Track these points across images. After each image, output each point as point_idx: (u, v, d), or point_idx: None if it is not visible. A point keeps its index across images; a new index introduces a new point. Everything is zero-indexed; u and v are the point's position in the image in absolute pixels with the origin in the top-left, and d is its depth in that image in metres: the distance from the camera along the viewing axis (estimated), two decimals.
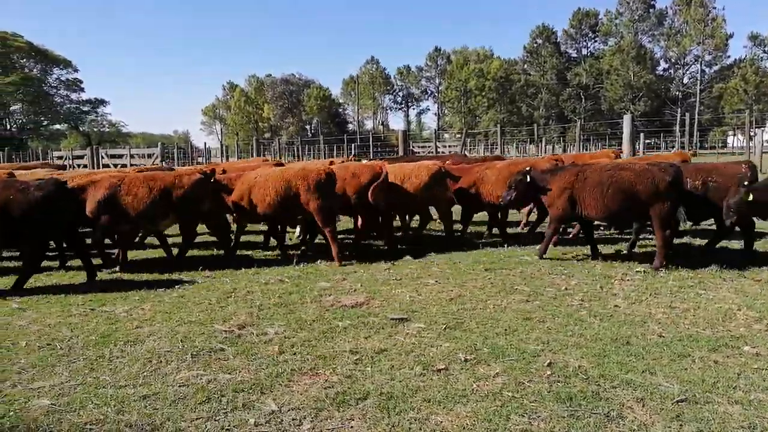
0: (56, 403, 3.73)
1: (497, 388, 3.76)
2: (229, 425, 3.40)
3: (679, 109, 71.68)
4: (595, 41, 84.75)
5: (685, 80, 79.36)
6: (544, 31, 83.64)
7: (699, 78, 75.30)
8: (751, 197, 6.72)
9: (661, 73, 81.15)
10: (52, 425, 3.45)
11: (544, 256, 7.84)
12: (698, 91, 73.95)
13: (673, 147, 47.89)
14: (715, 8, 73.09)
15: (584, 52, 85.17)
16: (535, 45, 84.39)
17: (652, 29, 79.48)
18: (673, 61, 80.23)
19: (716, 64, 76.81)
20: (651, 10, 78.55)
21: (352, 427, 3.36)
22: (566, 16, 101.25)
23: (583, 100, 79.75)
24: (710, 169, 7.77)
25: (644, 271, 6.90)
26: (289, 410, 3.56)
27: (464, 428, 3.30)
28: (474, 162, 11.02)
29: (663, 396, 3.63)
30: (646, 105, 73.35)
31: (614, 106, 75.75)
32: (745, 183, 6.93)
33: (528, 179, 7.93)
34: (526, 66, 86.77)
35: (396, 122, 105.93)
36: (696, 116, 65.59)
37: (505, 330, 4.91)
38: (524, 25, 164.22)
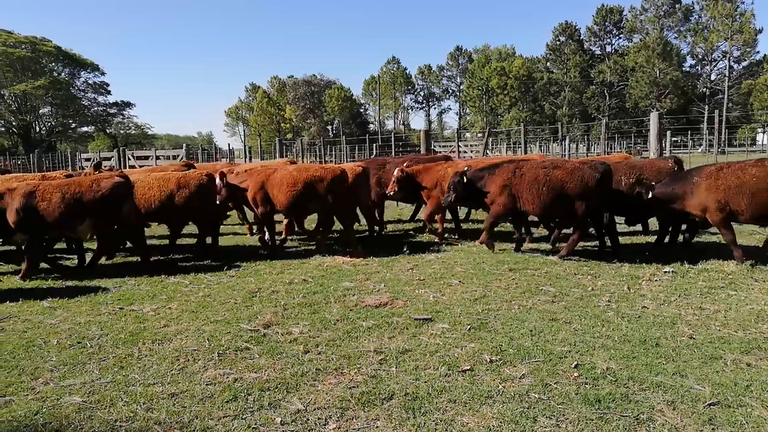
0: (87, 400, 3.80)
1: (524, 390, 3.73)
2: (255, 423, 3.42)
3: (706, 107, 70.24)
4: (620, 38, 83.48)
5: (713, 77, 77.70)
6: (567, 28, 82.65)
7: (727, 74, 73.64)
8: (650, 194, 7.57)
9: (688, 69, 79.53)
10: (83, 422, 3.52)
11: (490, 245, 8.18)
12: (726, 88, 72.32)
13: (700, 145, 46.97)
14: (743, 3, 71.43)
15: (608, 49, 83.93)
16: (558, 42, 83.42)
17: (678, 25, 77.96)
18: (700, 57, 78.62)
19: (745, 60, 75.03)
20: (677, 6, 77.03)
21: (377, 427, 3.36)
22: (590, 13, 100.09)
23: (608, 98, 78.63)
24: (642, 166, 8.33)
25: (673, 272, 6.77)
26: (314, 409, 3.58)
27: (490, 430, 3.28)
28: (429, 162, 11.23)
29: (694, 399, 3.56)
30: (672, 102, 71.99)
31: (639, 104, 74.50)
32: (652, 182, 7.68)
33: (465, 180, 8.26)
34: (548, 64, 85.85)
35: (417, 122, 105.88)
36: (724, 113, 64.17)
37: (531, 331, 4.86)
38: (547, 23, 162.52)
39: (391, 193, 9.91)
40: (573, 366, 4.08)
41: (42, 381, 4.16)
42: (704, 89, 76.43)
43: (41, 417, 3.59)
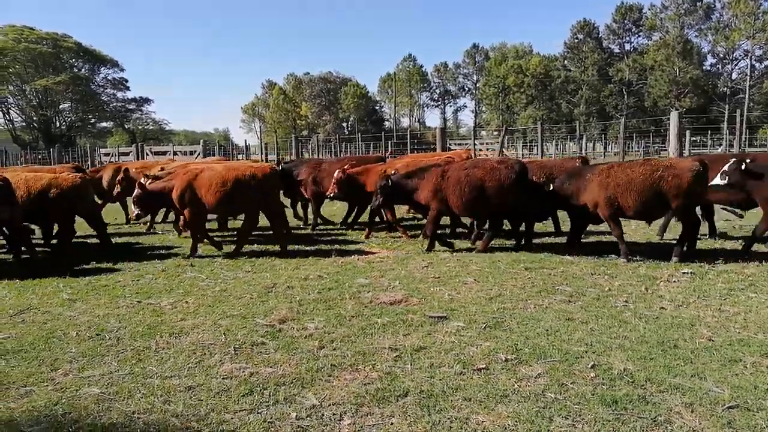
0: (106, 391, 3.85)
1: (539, 389, 3.71)
2: (271, 418, 3.45)
3: (726, 106, 69.08)
4: (639, 36, 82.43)
5: (734, 76, 76.39)
6: (585, 26, 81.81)
7: (748, 73, 72.32)
8: (551, 187, 8.07)
9: (708, 68, 78.31)
10: (102, 413, 3.57)
11: (432, 249, 8.48)
12: (747, 87, 70.98)
13: (720, 145, 46.25)
14: (766, 1, 70.10)
15: (627, 47, 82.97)
16: (575, 40, 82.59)
17: (699, 23, 76.70)
18: (721, 56, 77.31)
19: (767, 59, 73.69)
20: (698, 4, 75.77)
21: (392, 424, 3.36)
22: (608, 11, 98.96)
23: (626, 97, 77.73)
24: (552, 165, 8.93)
25: (692, 273, 6.69)
26: (329, 405, 3.59)
27: (506, 429, 3.27)
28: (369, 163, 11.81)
29: (713, 401, 3.51)
30: (692, 101, 70.88)
31: (658, 103, 73.51)
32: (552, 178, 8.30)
33: (390, 183, 8.56)
34: (566, 62, 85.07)
35: (432, 119, 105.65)
36: (745, 113, 63.08)
37: (547, 330, 4.83)
38: (564, 21, 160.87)
39: (332, 195, 10.29)
40: (589, 366, 4.05)
41: (61, 372, 4.22)
42: (725, 88, 75.18)
43: (61, 407, 3.65)
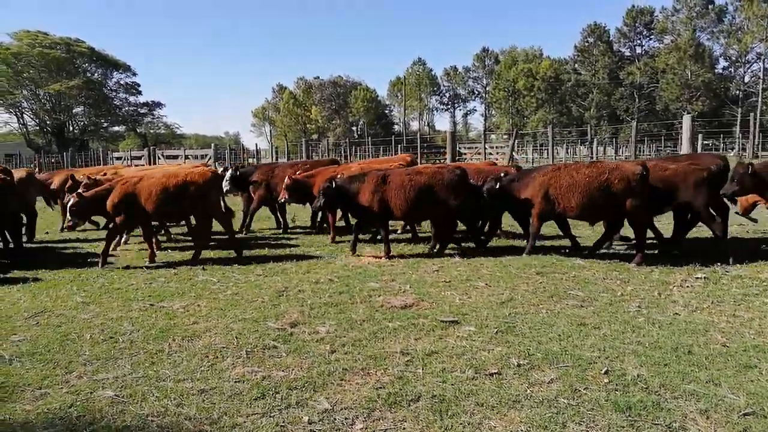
0: (119, 394, 3.88)
1: (552, 395, 3.69)
2: (283, 422, 3.45)
3: (739, 109, 68.53)
4: (650, 39, 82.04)
5: (746, 79, 75.74)
6: (595, 29, 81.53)
7: (761, 77, 71.65)
8: (498, 185, 8.43)
9: (721, 71, 77.74)
10: (116, 416, 3.59)
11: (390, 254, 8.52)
12: (760, 90, 70.34)
13: (732, 149, 45.85)
14: None
15: (638, 50, 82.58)
16: (586, 44, 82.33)
17: (711, 26, 76.20)
18: (733, 59, 76.76)
19: None
20: (710, 7, 75.32)
21: (404, 428, 3.36)
22: (619, 15, 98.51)
23: (637, 100, 77.29)
24: (489, 171, 9.54)
25: (705, 278, 6.63)
26: (341, 409, 3.60)
27: None
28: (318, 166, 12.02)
29: (729, 408, 3.48)
30: (704, 105, 70.42)
31: (670, 106, 73.06)
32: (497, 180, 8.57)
33: (334, 186, 8.64)
34: (576, 65, 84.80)
35: (442, 123, 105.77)
36: (758, 116, 62.48)
37: (559, 335, 4.81)
38: (575, 25, 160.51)
39: (283, 200, 10.39)
40: (603, 372, 4.02)
41: (76, 375, 4.26)
42: (737, 91, 74.60)
43: (75, 410, 3.68)
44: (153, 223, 9.14)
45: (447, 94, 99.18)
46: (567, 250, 8.39)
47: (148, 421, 3.50)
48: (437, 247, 8.70)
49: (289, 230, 11.75)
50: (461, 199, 8.37)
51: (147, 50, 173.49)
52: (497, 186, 8.43)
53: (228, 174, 11.68)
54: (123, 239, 10.20)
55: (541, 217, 8.18)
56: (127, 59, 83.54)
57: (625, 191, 7.53)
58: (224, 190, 11.47)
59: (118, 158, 32.44)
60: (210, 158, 23.24)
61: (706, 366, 4.12)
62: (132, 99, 77.85)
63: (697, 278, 6.65)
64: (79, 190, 8.81)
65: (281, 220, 11.95)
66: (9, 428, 3.47)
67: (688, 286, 6.35)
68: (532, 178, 8.26)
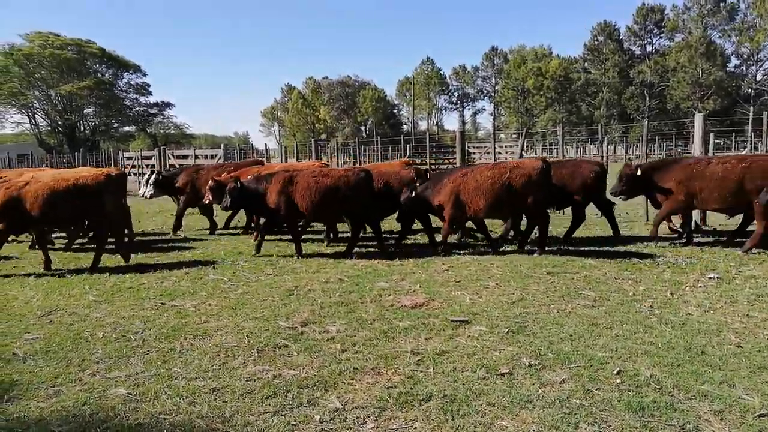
0: (132, 392, 3.90)
1: (564, 395, 3.67)
2: (295, 420, 3.46)
3: (751, 108, 67.86)
4: (661, 37, 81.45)
5: (758, 77, 74.98)
6: (606, 27, 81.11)
7: None
8: (413, 194, 8.73)
9: (732, 69, 77.00)
10: (129, 414, 3.61)
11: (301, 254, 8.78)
12: None
13: (744, 147, 45.45)
14: None
15: (649, 48, 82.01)
16: (596, 42, 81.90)
17: (723, 24, 75.55)
18: (745, 57, 76.03)
19: None
20: (721, 5, 74.65)
21: (415, 428, 3.35)
22: (629, 13, 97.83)
23: (647, 99, 76.75)
24: (387, 173, 9.72)
25: (718, 278, 6.57)
26: (352, 408, 3.59)
27: None
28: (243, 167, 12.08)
29: (743, 409, 3.44)
30: (715, 103, 69.80)
31: (681, 105, 72.52)
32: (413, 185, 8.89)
33: (241, 187, 8.75)
34: (586, 64, 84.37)
35: (451, 122, 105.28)
36: None
37: (571, 335, 4.78)
38: (585, 23, 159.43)
39: (207, 202, 10.38)
40: (615, 372, 3.99)
41: (89, 373, 4.29)
42: (749, 90, 73.88)
43: (89, 407, 3.71)
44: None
45: (456, 94, 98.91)
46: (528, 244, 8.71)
47: (160, 419, 3.52)
48: (348, 250, 8.87)
49: (217, 231, 11.85)
50: (367, 200, 8.60)
51: (148, 50, 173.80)
52: (413, 194, 8.73)
53: (152, 178, 11.83)
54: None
55: (453, 222, 8.61)
56: (138, 60, 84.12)
57: (527, 188, 8.02)
58: (148, 193, 11.78)
59: (129, 158, 32.65)
60: (220, 158, 23.31)
61: (720, 366, 4.08)
62: (142, 99, 78.31)
63: (710, 278, 6.59)
64: None
65: (210, 220, 12.03)
66: (23, 425, 3.50)
67: (701, 286, 6.30)
68: (443, 184, 8.58)
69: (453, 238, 9.51)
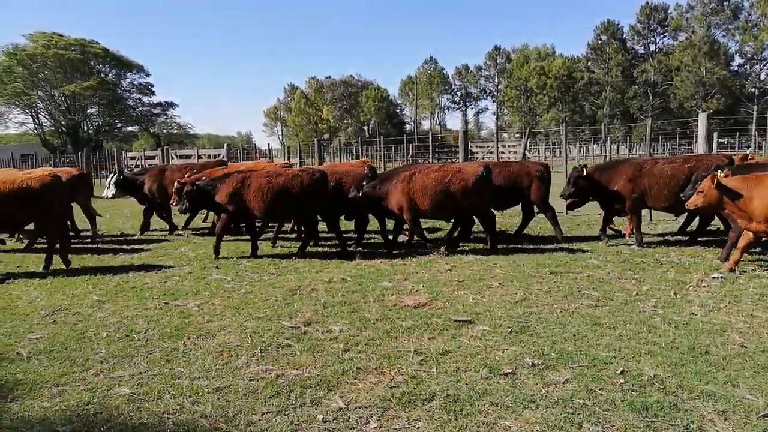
0: (136, 392, 3.91)
1: (567, 395, 3.66)
2: (298, 420, 3.46)
3: (755, 107, 67.65)
4: (664, 36, 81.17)
5: (762, 76, 74.73)
6: (609, 27, 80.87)
7: None
8: (361, 192, 8.95)
9: (736, 69, 76.75)
10: (133, 413, 3.62)
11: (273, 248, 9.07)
12: None
13: (748, 147, 45.31)
14: None
15: (652, 48, 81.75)
16: (599, 41, 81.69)
17: (726, 23, 75.24)
18: (749, 56, 75.76)
19: None
20: (725, 3, 74.32)
21: (418, 428, 3.36)
22: (633, 11, 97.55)
23: (651, 98, 76.56)
24: (342, 171, 10.13)
25: (722, 278, 6.55)
26: (356, 408, 3.60)
27: None
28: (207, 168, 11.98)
29: (747, 409, 3.44)
30: (719, 102, 69.56)
31: (684, 104, 72.29)
32: (364, 182, 9.10)
33: (196, 189, 8.79)
34: (589, 63, 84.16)
35: (453, 122, 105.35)
36: None
37: (574, 335, 4.78)
38: (588, 22, 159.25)
39: (174, 204, 10.28)
40: (618, 372, 3.99)
41: (93, 372, 4.30)
42: (753, 89, 73.64)
43: (92, 407, 3.72)
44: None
45: (458, 93, 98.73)
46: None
47: (164, 419, 3.53)
48: (303, 248, 8.99)
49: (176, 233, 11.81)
50: (320, 200, 8.68)
51: (148, 51, 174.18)
52: (359, 193, 8.95)
53: (113, 179, 11.84)
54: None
55: (411, 218, 8.74)
56: (141, 60, 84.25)
57: (469, 191, 8.28)
58: (110, 193, 11.80)
59: (132, 158, 32.71)
60: (222, 158, 23.34)
61: (724, 366, 4.07)
62: (146, 99, 78.38)
63: (714, 278, 6.58)
64: None
65: (168, 222, 12.00)
66: (27, 425, 3.51)
67: (704, 286, 6.29)
68: (393, 184, 8.77)
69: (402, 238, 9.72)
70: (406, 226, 9.36)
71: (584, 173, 8.96)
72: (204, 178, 9.46)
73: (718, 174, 6.77)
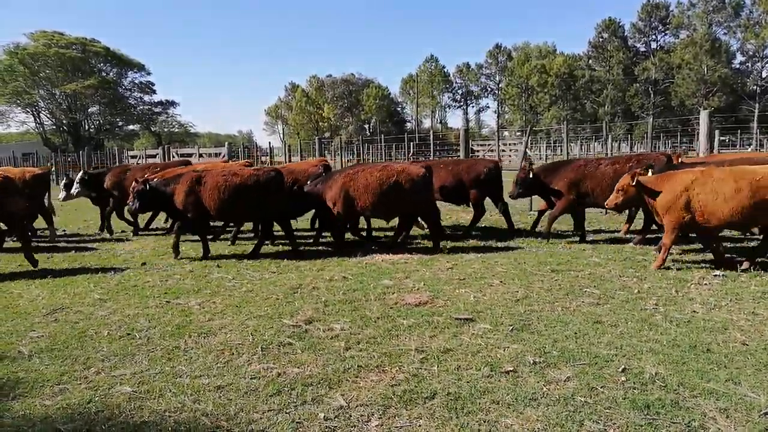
0: (137, 390, 3.91)
1: (569, 393, 3.66)
2: (299, 418, 3.46)
3: (757, 105, 67.54)
4: (666, 34, 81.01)
5: (764, 74, 74.59)
6: (610, 24, 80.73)
7: None
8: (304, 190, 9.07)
9: (737, 66, 76.62)
10: (134, 411, 3.62)
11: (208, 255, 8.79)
12: None
13: (750, 144, 45.22)
14: None
15: (653, 45, 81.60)
16: (600, 39, 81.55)
17: (728, 20, 75.07)
18: (750, 53, 75.61)
19: None
20: (726, 1, 74.18)
21: (420, 425, 3.35)
22: (634, 9, 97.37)
23: (652, 96, 76.44)
24: (296, 170, 10.44)
25: (723, 276, 6.54)
26: (357, 406, 3.60)
27: None
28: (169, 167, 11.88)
29: (749, 407, 3.43)
30: (720, 100, 69.43)
31: (686, 102, 72.18)
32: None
33: (148, 189, 8.67)
34: (590, 61, 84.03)
35: (454, 120, 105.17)
36: None
37: (575, 333, 4.77)
38: (589, 20, 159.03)
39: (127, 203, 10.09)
40: (620, 370, 3.98)
41: (94, 371, 4.30)
42: (755, 86, 73.50)
43: (94, 405, 3.72)
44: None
45: (459, 91, 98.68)
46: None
47: (165, 417, 3.53)
48: (253, 250, 8.92)
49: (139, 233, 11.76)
50: (276, 199, 8.66)
51: (148, 50, 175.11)
52: (302, 189, 9.12)
53: (78, 177, 11.76)
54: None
55: (345, 216, 8.89)
56: (142, 59, 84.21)
57: (410, 191, 8.45)
58: (75, 193, 11.71)
59: (133, 157, 32.72)
60: (224, 156, 23.33)
61: (726, 364, 4.06)
62: (147, 98, 78.50)
63: (716, 276, 6.57)
64: None
65: (132, 221, 11.92)
66: (29, 423, 3.51)
67: (706, 284, 6.28)
68: (334, 180, 8.88)
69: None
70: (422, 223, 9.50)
71: (530, 174, 9.27)
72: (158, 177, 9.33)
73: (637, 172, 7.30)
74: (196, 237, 9.63)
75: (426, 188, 8.63)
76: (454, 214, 12.85)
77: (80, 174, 11.91)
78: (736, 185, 6.47)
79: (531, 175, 9.25)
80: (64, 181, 12.01)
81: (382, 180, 8.51)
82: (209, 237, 9.72)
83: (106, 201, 11.95)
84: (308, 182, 9.42)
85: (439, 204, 9.88)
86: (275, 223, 9.02)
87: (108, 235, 11.53)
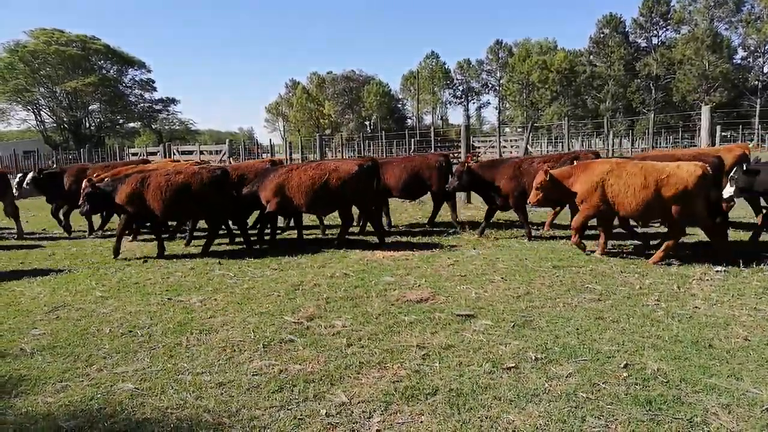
0: (139, 387, 3.92)
1: (571, 389, 3.66)
2: (301, 414, 3.47)
3: (758, 100, 67.35)
4: (667, 29, 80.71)
5: (766, 69, 74.35)
6: (611, 20, 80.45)
7: None
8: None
9: (739, 62, 76.33)
10: (136, 408, 3.63)
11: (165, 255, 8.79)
12: None
13: (751, 140, 45.15)
14: None
15: (655, 41, 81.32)
16: (601, 35, 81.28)
17: (729, 16, 74.80)
18: (752, 49, 75.34)
19: None
20: None
21: (422, 422, 3.35)
22: (635, 5, 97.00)
23: (653, 91, 76.24)
24: (244, 167, 10.57)
25: (725, 272, 6.53)
26: (358, 402, 3.60)
27: (537, 428, 3.23)
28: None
29: (751, 403, 3.43)
30: (722, 96, 69.24)
31: (687, 98, 71.96)
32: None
33: (96, 189, 8.69)
34: (591, 57, 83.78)
35: (455, 117, 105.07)
36: None
37: (577, 329, 4.77)
38: (590, 16, 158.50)
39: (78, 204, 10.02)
40: (622, 366, 3.98)
41: (96, 368, 4.31)
42: (756, 82, 73.29)
43: (96, 402, 3.73)
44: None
45: (460, 88, 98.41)
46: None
47: (167, 414, 3.54)
48: (203, 248, 8.92)
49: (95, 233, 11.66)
50: (222, 197, 8.75)
51: (148, 50, 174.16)
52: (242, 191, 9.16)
53: (29, 176, 11.62)
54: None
55: (278, 213, 9.14)
56: (143, 56, 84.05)
57: (346, 188, 8.63)
58: (24, 192, 11.63)
59: (134, 154, 32.73)
60: (224, 154, 23.33)
61: (728, 360, 4.06)
62: (147, 95, 78.37)
63: (717, 271, 6.56)
64: None
65: (88, 222, 11.72)
66: (31, 420, 3.52)
67: (707, 280, 6.27)
68: (269, 179, 8.96)
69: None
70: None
71: (465, 169, 9.41)
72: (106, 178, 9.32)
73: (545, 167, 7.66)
74: (202, 236, 9.63)
75: (361, 185, 8.74)
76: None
77: (32, 173, 11.74)
78: (645, 180, 6.87)
79: (468, 170, 9.37)
80: (16, 180, 11.88)
81: (317, 177, 8.67)
82: (165, 236, 9.76)
83: (60, 200, 11.72)
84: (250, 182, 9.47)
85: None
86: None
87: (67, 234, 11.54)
